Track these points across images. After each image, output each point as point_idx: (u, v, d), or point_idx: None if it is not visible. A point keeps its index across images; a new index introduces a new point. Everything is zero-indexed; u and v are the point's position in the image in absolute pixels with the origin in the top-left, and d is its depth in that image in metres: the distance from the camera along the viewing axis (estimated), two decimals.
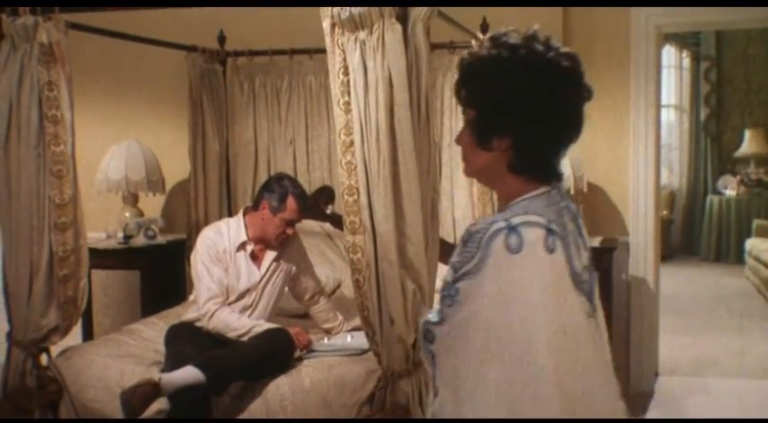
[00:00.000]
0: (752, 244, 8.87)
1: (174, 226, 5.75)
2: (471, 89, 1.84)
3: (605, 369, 1.85)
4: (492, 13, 5.01)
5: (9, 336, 3.76)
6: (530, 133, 1.80)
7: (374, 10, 3.20)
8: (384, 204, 3.28)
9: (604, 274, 4.94)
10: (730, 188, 10.46)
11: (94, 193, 5.47)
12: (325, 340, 4.09)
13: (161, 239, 5.52)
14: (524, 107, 1.79)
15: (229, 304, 3.97)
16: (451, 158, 5.26)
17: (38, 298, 3.72)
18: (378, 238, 3.31)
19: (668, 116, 10.64)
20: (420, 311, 3.42)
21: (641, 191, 5.35)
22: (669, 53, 10.52)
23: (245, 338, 3.83)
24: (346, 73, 3.28)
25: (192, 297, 4.24)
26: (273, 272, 4.10)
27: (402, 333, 3.37)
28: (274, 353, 3.71)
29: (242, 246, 4.07)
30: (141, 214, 5.71)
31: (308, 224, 5.30)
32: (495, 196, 5.09)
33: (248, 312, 4.02)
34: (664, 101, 9.18)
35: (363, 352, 3.79)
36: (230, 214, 5.30)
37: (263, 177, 5.15)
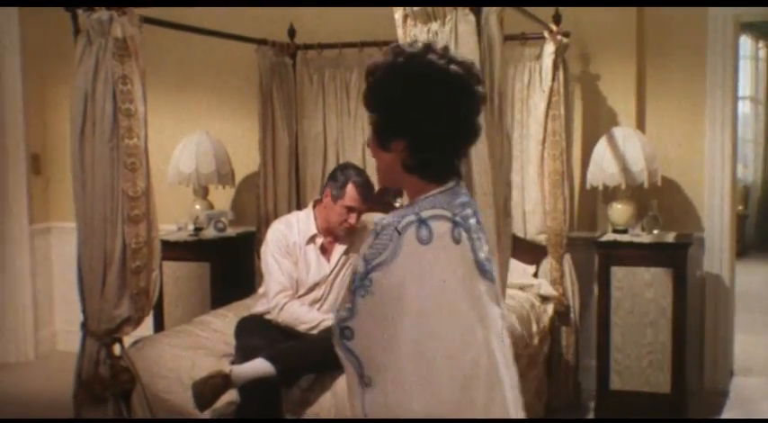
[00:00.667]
0: None
1: (243, 218, 5.79)
2: (372, 94, 2.00)
3: (505, 350, 1.99)
4: (566, 12, 4.95)
5: (83, 326, 3.81)
6: (423, 136, 1.95)
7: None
8: None
9: (679, 270, 4.83)
10: None
11: (166, 186, 5.53)
12: None
13: (230, 232, 5.56)
14: (417, 111, 1.93)
15: (299, 297, 3.97)
16: (522, 151, 5.20)
17: (111, 289, 3.75)
18: None
19: (743, 108, 10.37)
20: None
21: (717, 185, 5.22)
22: (745, 44, 10.25)
23: (314, 332, 3.82)
24: None
25: (261, 290, 4.25)
26: (343, 265, 4.08)
27: None
28: None
29: (311, 239, 4.07)
30: (211, 207, 5.76)
31: (377, 217, 5.28)
32: (566, 189, 5.02)
33: (317, 305, 4.02)
34: (739, 93, 8.95)
35: None
36: (299, 207, 5.31)
37: (331, 170, 5.14)
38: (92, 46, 3.69)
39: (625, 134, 5.03)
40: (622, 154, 4.92)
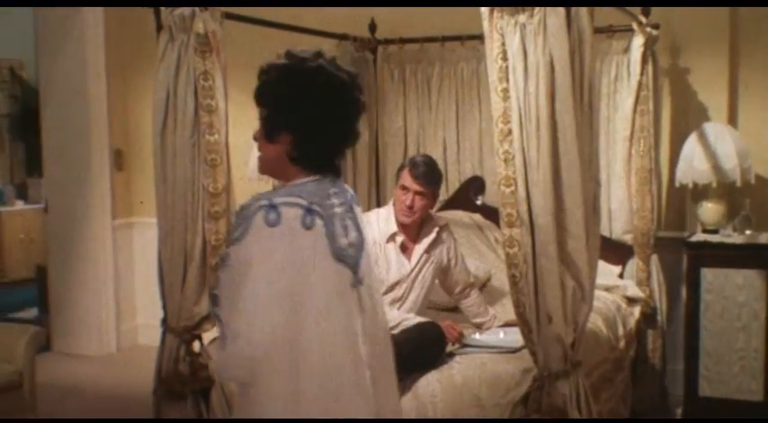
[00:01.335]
0: None
1: None
2: (264, 91, 2.30)
3: (351, 322, 2.23)
4: (656, 11, 4.80)
5: (164, 322, 3.82)
6: (304, 131, 2.24)
7: None
8: (543, 196, 3.12)
9: None
10: None
11: (246, 182, 5.52)
12: (476, 335, 3.96)
13: None
14: (301, 109, 2.23)
15: None
16: (609, 147, 5.06)
17: (191, 286, 3.74)
18: (536, 231, 3.16)
19: None
20: (580, 310, 3.26)
21: None
22: None
23: (395, 332, 3.73)
24: (505, 58, 3.14)
25: None
26: (424, 264, 4.00)
27: (560, 332, 3.21)
28: (425, 347, 3.61)
29: (391, 237, 3.99)
30: None
31: (458, 215, 5.21)
32: (654, 187, 4.86)
33: (397, 305, 3.94)
34: None
35: (517, 350, 3.65)
36: (378, 204, 5.26)
37: None
38: (174, 42, 3.69)
39: (716, 130, 4.84)
40: (713, 150, 4.74)
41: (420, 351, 3.58)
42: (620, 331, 4.52)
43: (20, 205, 9.67)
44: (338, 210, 2.24)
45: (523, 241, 3.19)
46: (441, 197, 4.77)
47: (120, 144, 6.52)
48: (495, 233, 5.11)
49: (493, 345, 3.79)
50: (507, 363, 3.56)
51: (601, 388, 4.04)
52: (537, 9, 3.04)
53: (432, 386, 3.45)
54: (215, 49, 3.68)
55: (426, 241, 4.02)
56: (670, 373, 5.06)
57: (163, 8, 3.69)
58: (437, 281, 4.13)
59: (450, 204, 5.39)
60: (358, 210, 2.36)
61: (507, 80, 3.14)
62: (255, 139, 2.34)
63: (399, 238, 4.00)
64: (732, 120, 5.07)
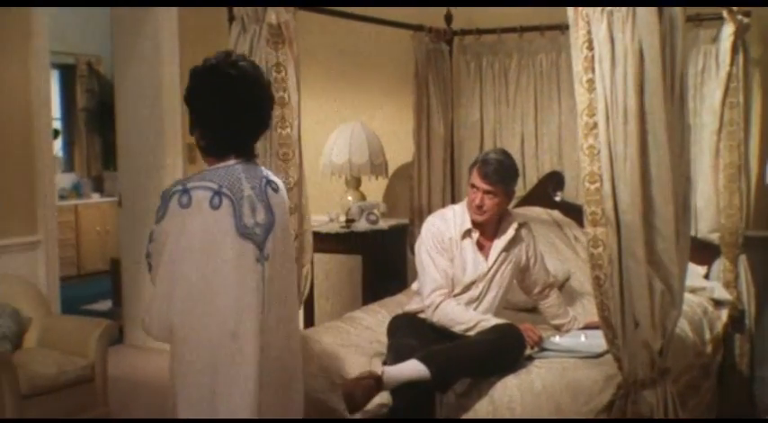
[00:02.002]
0: None
1: (395, 210, 5.65)
2: (186, 93, 2.60)
3: (254, 296, 2.52)
4: None
5: None
6: (206, 125, 2.58)
7: None
8: (631, 193, 2.95)
9: None
10: None
11: (318, 176, 5.45)
12: (556, 338, 3.79)
13: (382, 224, 5.43)
14: (201, 107, 2.57)
15: (454, 296, 3.76)
16: (695, 142, 4.82)
17: None
18: (622, 230, 2.98)
19: None
20: (669, 314, 3.08)
21: None
22: None
23: (471, 333, 3.61)
24: (590, 47, 2.97)
25: (414, 286, 4.06)
26: (502, 262, 3.85)
27: (648, 337, 3.03)
28: (503, 350, 3.47)
29: (467, 233, 3.85)
30: (363, 198, 5.65)
31: (536, 211, 5.05)
32: (743, 184, 4.65)
33: (474, 305, 3.79)
34: None
35: (600, 355, 3.48)
36: (453, 200, 5.14)
37: None
38: (246, 33, 3.63)
39: None
40: None
41: (498, 354, 3.44)
42: (707, 336, 4.32)
43: (96, 198, 9.80)
44: (248, 193, 2.53)
45: (609, 241, 3.02)
46: (518, 193, 4.62)
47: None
48: (574, 231, 4.94)
49: (574, 349, 3.62)
50: (590, 368, 3.39)
51: (687, 396, 3.85)
52: None
53: (510, 391, 3.31)
54: (288, 41, 3.60)
55: (504, 239, 3.86)
56: (759, 379, 4.84)
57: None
58: (515, 280, 3.98)
59: (528, 200, 5.23)
60: (277, 193, 2.62)
61: (593, 70, 2.98)
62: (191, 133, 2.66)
63: (475, 235, 3.85)
64: None
